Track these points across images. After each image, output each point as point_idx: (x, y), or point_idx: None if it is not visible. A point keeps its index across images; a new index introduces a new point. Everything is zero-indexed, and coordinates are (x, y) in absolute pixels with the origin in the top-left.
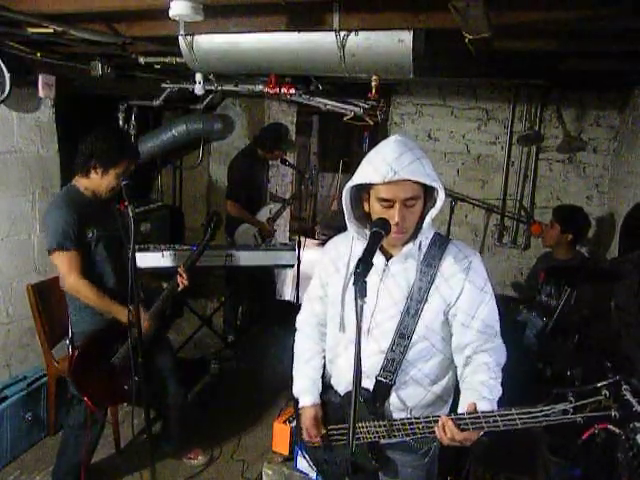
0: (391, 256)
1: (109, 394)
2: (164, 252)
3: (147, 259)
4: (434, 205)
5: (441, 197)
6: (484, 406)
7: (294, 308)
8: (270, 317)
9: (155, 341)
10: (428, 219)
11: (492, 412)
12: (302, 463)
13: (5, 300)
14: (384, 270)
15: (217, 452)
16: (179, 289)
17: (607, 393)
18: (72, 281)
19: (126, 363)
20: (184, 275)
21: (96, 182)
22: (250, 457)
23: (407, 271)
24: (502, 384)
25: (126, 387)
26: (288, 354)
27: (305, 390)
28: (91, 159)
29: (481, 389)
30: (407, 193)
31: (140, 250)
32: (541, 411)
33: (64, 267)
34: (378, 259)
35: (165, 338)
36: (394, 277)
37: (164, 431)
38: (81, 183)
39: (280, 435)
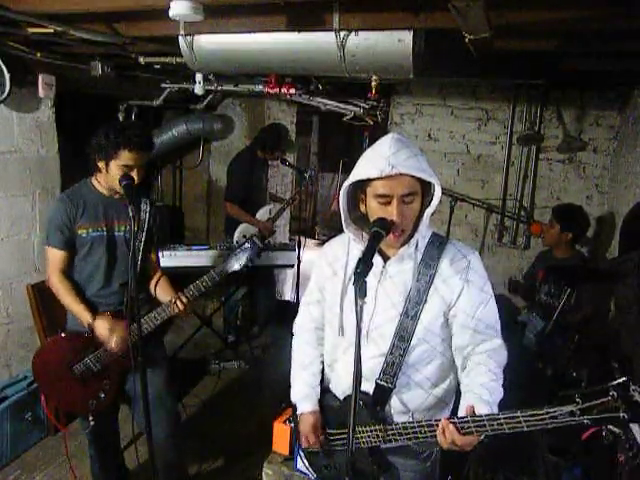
0: (388, 258)
1: (68, 402)
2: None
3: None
4: (430, 204)
5: (437, 194)
6: (483, 409)
7: (294, 308)
8: (270, 317)
9: (145, 356)
10: (425, 218)
11: (497, 415)
12: (302, 463)
13: (5, 300)
14: (382, 272)
15: (217, 452)
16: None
17: (615, 394)
18: (52, 279)
19: (88, 376)
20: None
21: (104, 177)
22: (250, 457)
23: (405, 272)
24: (502, 385)
25: (92, 402)
26: (288, 354)
27: (303, 397)
28: (94, 154)
29: (481, 391)
30: (405, 188)
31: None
32: (547, 413)
33: (49, 264)
34: (375, 261)
35: (160, 353)
36: (392, 279)
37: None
38: (96, 178)
39: (280, 435)
